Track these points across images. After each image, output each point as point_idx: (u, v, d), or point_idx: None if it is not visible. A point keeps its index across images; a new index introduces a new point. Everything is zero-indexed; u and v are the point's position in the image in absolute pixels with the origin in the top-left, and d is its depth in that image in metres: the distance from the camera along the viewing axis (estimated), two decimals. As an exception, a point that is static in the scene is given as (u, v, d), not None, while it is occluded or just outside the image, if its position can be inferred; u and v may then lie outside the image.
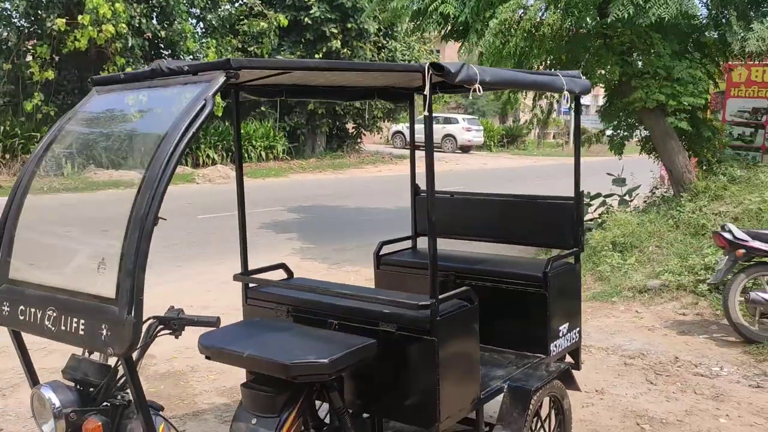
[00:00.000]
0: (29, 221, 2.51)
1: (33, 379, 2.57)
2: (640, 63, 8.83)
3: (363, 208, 14.20)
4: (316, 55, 22.47)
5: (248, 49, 22.52)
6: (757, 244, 5.61)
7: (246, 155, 20.85)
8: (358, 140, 27.09)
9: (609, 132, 9.91)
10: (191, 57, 19.87)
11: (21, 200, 2.51)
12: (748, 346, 5.62)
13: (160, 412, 2.49)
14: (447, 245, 5.56)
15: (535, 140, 36.13)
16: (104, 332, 2.08)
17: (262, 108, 22.96)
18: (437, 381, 2.90)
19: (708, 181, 8.52)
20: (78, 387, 2.43)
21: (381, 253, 4.32)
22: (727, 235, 5.73)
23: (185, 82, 2.36)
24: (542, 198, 4.28)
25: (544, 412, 3.47)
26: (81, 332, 2.15)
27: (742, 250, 5.63)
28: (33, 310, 2.30)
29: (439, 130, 31.73)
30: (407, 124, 31.47)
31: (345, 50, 22.92)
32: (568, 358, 4.00)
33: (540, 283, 3.65)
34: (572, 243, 3.98)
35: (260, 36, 21.94)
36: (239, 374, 5.03)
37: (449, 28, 9.03)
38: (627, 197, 10.02)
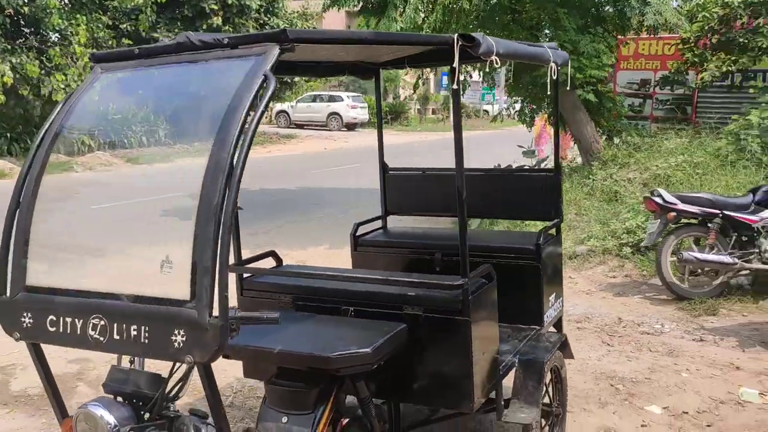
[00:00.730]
0: (49, 216, 2.16)
1: (58, 401, 2.24)
2: (548, 38, 9.13)
3: (266, 190, 13.79)
4: (196, 33, 21.43)
5: (120, 26, 21.09)
6: (685, 206, 6.00)
7: (125, 140, 19.62)
8: (243, 121, 26.26)
9: (518, 106, 10.21)
10: (58, 35, 18.28)
11: (34, 190, 2.15)
12: (681, 303, 6.02)
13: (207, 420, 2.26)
14: (414, 223, 5.51)
15: (416, 116, 36.72)
16: (178, 338, 1.83)
17: (140, 91, 21.61)
18: (471, 361, 2.83)
19: (614, 149, 9.02)
20: (126, 401, 2.15)
21: (357, 234, 4.17)
22: (658, 200, 6.08)
23: (227, 56, 2.10)
24: (520, 171, 4.31)
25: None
26: (144, 340, 1.89)
27: (673, 213, 6.00)
28: (69, 319, 1.99)
29: (323, 108, 31.49)
30: (291, 103, 31.21)
31: (227, 27, 22.03)
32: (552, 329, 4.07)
33: (533, 256, 3.67)
34: (553, 214, 4.03)
35: (133, 12, 20.59)
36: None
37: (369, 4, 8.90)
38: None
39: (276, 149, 23.07)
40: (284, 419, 2.66)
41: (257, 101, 1.93)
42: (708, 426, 3.91)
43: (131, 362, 2.28)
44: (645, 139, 9.47)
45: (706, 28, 9.56)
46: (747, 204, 6.00)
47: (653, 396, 4.27)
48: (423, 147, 22.77)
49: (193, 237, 1.86)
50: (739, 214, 5.91)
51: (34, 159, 2.21)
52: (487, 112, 37.19)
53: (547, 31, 9.06)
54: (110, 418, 2.02)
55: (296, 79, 24.95)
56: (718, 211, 5.93)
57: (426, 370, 2.93)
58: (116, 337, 1.93)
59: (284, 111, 31.77)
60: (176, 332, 1.84)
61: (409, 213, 4.62)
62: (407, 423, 3.33)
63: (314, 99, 31.64)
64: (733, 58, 9.05)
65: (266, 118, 32.58)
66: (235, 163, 1.87)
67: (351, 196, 13.08)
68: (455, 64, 2.69)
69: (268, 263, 3.53)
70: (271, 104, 27.75)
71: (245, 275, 3.34)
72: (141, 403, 2.14)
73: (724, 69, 9.16)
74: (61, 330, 2.02)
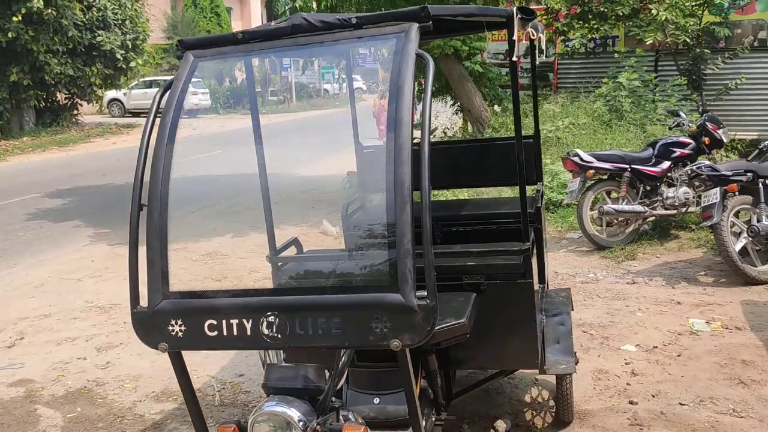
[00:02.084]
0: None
1: (198, 413, 2.01)
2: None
3: (130, 185, 12.83)
4: (14, 18, 19.25)
5: None
6: (600, 164, 6.52)
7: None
8: (75, 112, 24.12)
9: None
10: None
11: (163, 192, 1.89)
12: (602, 252, 6.56)
13: None
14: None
15: (260, 99, 35.90)
16: (381, 324, 1.72)
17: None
18: (536, 321, 2.92)
19: (502, 117, 9.50)
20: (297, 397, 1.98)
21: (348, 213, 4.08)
22: (576, 159, 6.54)
23: (358, 36, 1.97)
24: (500, 139, 4.42)
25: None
26: (336, 330, 1.76)
27: (591, 171, 6.49)
28: (235, 321, 1.79)
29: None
30: (124, 91, 29.13)
31: (49, 10, 19.96)
32: None
33: (534, 219, 3.82)
34: (535, 178, 4.20)
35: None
36: (159, 373, 4.46)
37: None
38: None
39: (120, 140, 21.50)
40: (376, 400, 2.59)
41: (426, 79, 1.84)
42: (678, 356, 4.35)
43: (264, 358, 2.11)
44: (521, 106, 10.06)
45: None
46: (649, 157, 6.65)
47: (623, 336, 4.66)
48: (279, 129, 22.48)
49: (388, 223, 1.75)
50: (644, 167, 6.54)
51: (156, 159, 1.95)
52: (327, 91, 37.38)
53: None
54: (296, 414, 1.87)
55: (131, 64, 23.36)
56: (627, 166, 6.51)
57: (490, 335, 2.97)
58: (300, 332, 1.78)
59: (117, 99, 29.65)
60: (377, 318, 1.73)
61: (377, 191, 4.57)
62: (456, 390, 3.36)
63: (150, 85, 29.76)
64: (596, 26, 9.85)
65: (96, 106, 30.27)
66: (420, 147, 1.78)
67: (229, 183, 12.59)
68: (514, 37, 2.72)
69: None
70: (101, 92, 25.86)
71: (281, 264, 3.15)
72: (310, 398, 1.99)
73: (589, 36, 9.98)
74: (225, 333, 1.82)
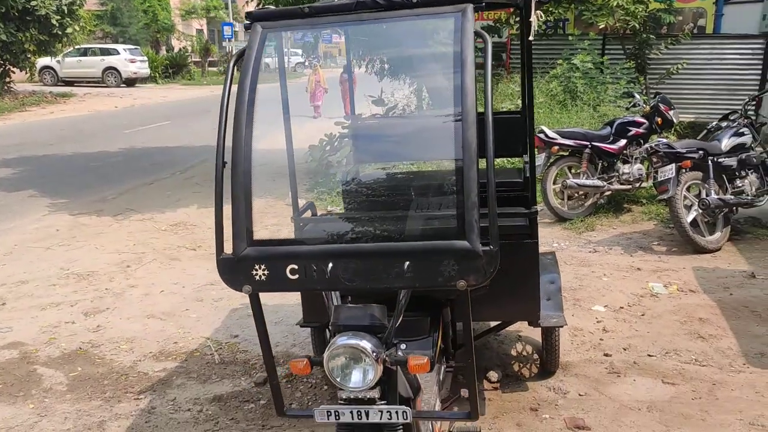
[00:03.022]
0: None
1: (268, 350, 2.22)
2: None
3: (84, 154, 12.58)
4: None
5: None
6: (564, 140, 6.91)
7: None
8: (8, 79, 23.04)
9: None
10: None
11: (247, 152, 2.06)
12: (563, 224, 6.99)
13: None
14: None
15: (198, 70, 35.12)
16: (449, 267, 1.97)
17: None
18: (538, 279, 3.23)
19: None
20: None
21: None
22: (542, 136, 6.91)
23: (417, 14, 2.18)
24: (495, 114, 4.67)
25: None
26: (408, 273, 1.99)
27: (556, 147, 6.88)
28: (314, 266, 2.00)
29: (97, 63, 28.82)
30: (57, 59, 27.96)
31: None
32: None
33: (522, 188, 4.12)
34: (521, 150, 4.51)
35: None
36: (153, 336, 4.62)
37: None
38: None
39: (58, 110, 20.77)
40: (403, 346, 2.84)
41: (485, 56, 2.07)
42: (642, 315, 4.78)
43: (327, 299, 2.32)
44: (478, 84, 10.40)
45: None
46: (607, 135, 7.09)
47: (592, 298, 5.06)
48: (209, 102, 22.11)
49: (457, 180, 1.99)
50: (603, 144, 6.98)
51: (238, 121, 2.12)
52: (267, 65, 36.79)
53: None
54: (369, 345, 2.09)
55: (68, 30, 22.45)
56: (587, 143, 6.93)
57: (498, 290, 3.25)
58: (374, 275, 2.00)
59: (49, 67, 28.42)
60: (446, 262, 1.98)
61: (380, 161, 4.78)
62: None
63: (85, 53, 28.69)
64: (550, 9, 10.24)
65: (28, 74, 28.96)
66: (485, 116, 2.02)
67: (182, 154, 12.50)
68: (532, 18, 2.97)
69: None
70: (35, 59, 24.74)
71: (303, 225, 3.35)
72: (375, 334, 2.21)
73: (544, 19, 10.36)
74: (305, 276, 2.02)
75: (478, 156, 2.06)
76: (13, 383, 4.08)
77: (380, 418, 2.16)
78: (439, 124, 2.24)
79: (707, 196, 5.98)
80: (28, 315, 5.12)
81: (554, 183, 7.02)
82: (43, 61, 27.63)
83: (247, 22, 2.34)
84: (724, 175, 6.18)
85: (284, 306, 4.92)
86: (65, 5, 22.00)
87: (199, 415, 3.67)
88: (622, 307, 4.90)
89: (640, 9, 9.88)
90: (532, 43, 3.29)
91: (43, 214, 8.24)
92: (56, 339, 4.70)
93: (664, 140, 6.50)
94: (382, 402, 2.19)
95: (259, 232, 2.24)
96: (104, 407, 3.77)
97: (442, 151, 2.26)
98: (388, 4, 2.20)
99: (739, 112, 6.71)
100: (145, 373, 4.19)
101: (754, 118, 9.79)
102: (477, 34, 2.12)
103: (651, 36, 10.50)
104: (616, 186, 7.04)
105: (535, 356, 4.16)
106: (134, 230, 7.48)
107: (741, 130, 6.41)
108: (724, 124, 6.62)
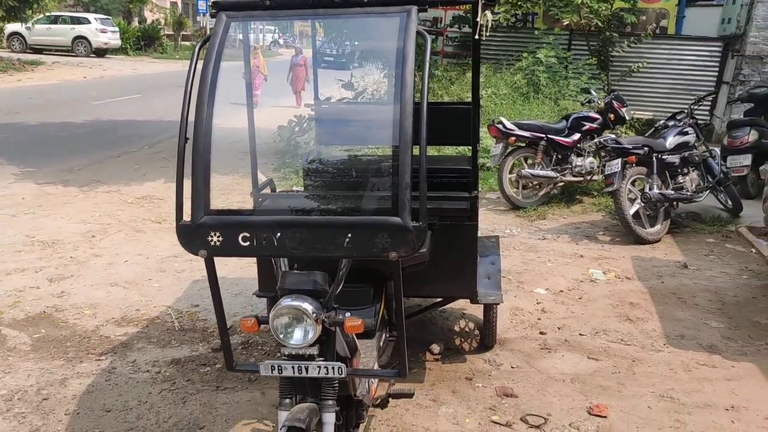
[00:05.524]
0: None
1: (220, 311, 2.47)
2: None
3: (51, 124, 12.55)
4: None
5: None
6: (521, 132, 7.22)
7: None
8: (-26, 44, 22.65)
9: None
10: None
11: (207, 129, 2.29)
12: (517, 211, 7.32)
13: None
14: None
15: (171, 43, 34.73)
16: (382, 240, 2.22)
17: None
18: (476, 258, 3.53)
19: (432, 82, 10.05)
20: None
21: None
22: (500, 127, 7.21)
23: (367, 13, 2.41)
24: (444, 104, 4.95)
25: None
26: (347, 244, 2.24)
27: (513, 138, 7.19)
28: (265, 234, 2.25)
29: (67, 32, 28.34)
30: (27, 25, 27.42)
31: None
32: None
33: (469, 175, 4.41)
34: (470, 140, 4.78)
35: None
36: (116, 303, 4.82)
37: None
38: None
39: (26, 78, 20.51)
40: (347, 314, 3.11)
41: (424, 56, 2.32)
42: (579, 299, 5.13)
43: (278, 268, 2.56)
44: (448, 73, 10.68)
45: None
46: (563, 129, 7.43)
47: (535, 281, 5.40)
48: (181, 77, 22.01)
49: (393, 165, 2.24)
50: (558, 137, 7.31)
51: (200, 101, 2.33)
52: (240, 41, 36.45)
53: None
54: (310, 307, 2.35)
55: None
56: (543, 135, 7.26)
57: (439, 268, 3.54)
58: (317, 245, 2.26)
59: (18, 33, 27.84)
60: (380, 236, 2.24)
61: (340, 144, 5.02)
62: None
63: (55, 20, 28.18)
64: (519, 2, 10.54)
65: (-4, 40, 28.45)
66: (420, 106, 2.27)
67: (152, 129, 12.56)
68: (479, 18, 3.22)
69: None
70: (3, 24, 24.21)
71: (262, 200, 3.58)
72: (317, 298, 2.46)
73: (513, 12, 10.66)
74: (255, 243, 2.27)
75: (422, 143, 2.32)
76: (-22, 342, 4.26)
77: (318, 373, 2.43)
78: (386, 113, 2.48)
79: (650, 190, 6.34)
80: (-6, 279, 5.27)
81: (510, 172, 7.34)
82: (11, 27, 27.12)
83: (214, 10, 2.55)
84: (667, 172, 6.56)
85: (243, 279, 5.16)
86: (36, -31, 21.64)
87: (158, 376, 3.90)
88: (561, 291, 5.24)
89: (604, 8, 10.22)
90: (481, 41, 3.53)
91: (9, 182, 8.30)
92: (20, 302, 4.87)
93: (612, 136, 6.85)
94: (321, 359, 2.46)
95: (220, 206, 2.47)
96: (66, 366, 3.98)
97: (386, 137, 2.50)
98: (342, 1, 2.43)
99: (686, 112, 7.08)
100: (107, 336, 4.40)
101: (708, 118, 10.26)
102: (419, 33, 2.36)
103: (614, 34, 10.86)
104: (569, 178, 7.38)
105: (476, 332, 4.47)
106: (100, 201, 7.62)
107: (686, 130, 6.79)
108: (671, 122, 6.99)
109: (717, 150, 7.25)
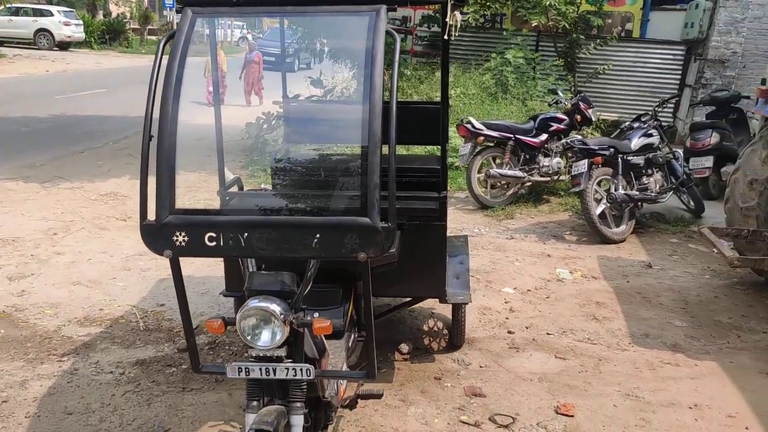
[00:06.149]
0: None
1: (186, 313, 2.41)
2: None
3: (12, 118, 12.25)
4: None
5: None
6: (489, 132, 7.26)
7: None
8: (-70, 34, 21.98)
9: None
10: None
11: (172, 128, 2.23)
12: (485, 211, 7.36)
13: None
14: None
15: (136, 37, 34.14)
16: (351, 241, 2.20)
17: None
18: (445, 258, 3.53)
19: (402, 81, 10.05)
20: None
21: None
22: (469, 126, 7.24)
23: (336, 12, 2.38)
24: (414, 103, 4.94)
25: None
26: (316, 244, 2.21)
27: (482, 138, 7.23)
28: (232, 234, 2.20)
29: (29, 24, 27.64)
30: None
31: None
32: None
33: (438, 173, 4.41)
34: (439, 140, 4.78)
35: None
36: (78, 302, 4.72)
37: None
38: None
39: (-15, 70, 19.97)
40: (316, 314, 3.09)
41: (392, 56, 2.30)
42: (547, 298, 5.18)
43: (245, 268, 2.52)
44: (417, 73, 10.69)
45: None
46: (530, 129, 7.49)
47: (503, 281, 5.43)
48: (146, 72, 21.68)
49: (362, 165, 2.22)
50: (525, 138, 7.37)
51: (165, 99, 2.27)
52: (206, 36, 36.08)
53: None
54: (278, 309, 2.31)
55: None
56: (511, 136, 7.31)
57: (408, 268, 3.53)
58: (286, 245, 2.22)
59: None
60: (349, 236, 2.22)
61: (308, 142, 4.97)
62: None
63: (16, 12, 27.50)
64: (488, 3, 10.60)
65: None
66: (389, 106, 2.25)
67: (116, 124, 12.32)
68: (448, 18, 3.21)
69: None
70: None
71: (229, 199, 3.53)
72: (285, 299, 2.43)
73: (482, 12, 10.72)
74: (222, 244, 2.23)
75: (391, 143, 2.30)
76: (-67, 343, 4.12)
77: (286, 375, 2.40)
78: (355, 112, 2.46)
79: (615, 191, 6.44)
80: (-50, 278, 5.11)
81: (479, 172, 7.37)
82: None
83: (179, 6, 2.50)
84: (632, 173, 6.67)
85: (211, 278, 5.09)
86: (-4, -39, 21.08)
87: (121, 377, 3.82)
88: (529, 290, 5.28)
89: (571, 10, 10.34)
90: (450, 41, 3.52)
91: (-34, 178, 8.07)
92: (-21, 302, 4.73)
93: (579, 137, 6.93)
94: (289, 360, 2.43)
95: (186, 204, 2.42)
96: (27, 368, 3.87)
97: (355, 137, 2.48)
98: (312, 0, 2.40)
99: (650, 114, 7.20)
100: (69, 337, 4.30)
101: (671, 120, 10.45)
102: (388, 33, 2.35)
103: (581, 36, 10.99)
104: (537, 177, 7.45)
105: (445, 332, 4.48)
106: (63, 198, 7.45)
107: (650, 131, 6.90)
108: (635, 124, 7.10)
109: (680, 152, 7.40)
